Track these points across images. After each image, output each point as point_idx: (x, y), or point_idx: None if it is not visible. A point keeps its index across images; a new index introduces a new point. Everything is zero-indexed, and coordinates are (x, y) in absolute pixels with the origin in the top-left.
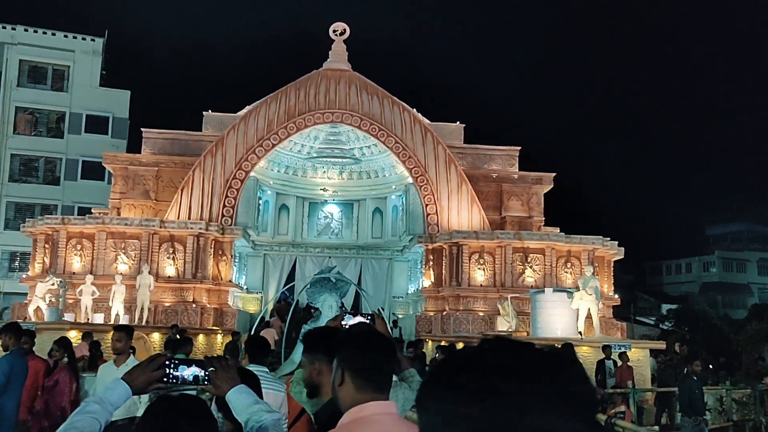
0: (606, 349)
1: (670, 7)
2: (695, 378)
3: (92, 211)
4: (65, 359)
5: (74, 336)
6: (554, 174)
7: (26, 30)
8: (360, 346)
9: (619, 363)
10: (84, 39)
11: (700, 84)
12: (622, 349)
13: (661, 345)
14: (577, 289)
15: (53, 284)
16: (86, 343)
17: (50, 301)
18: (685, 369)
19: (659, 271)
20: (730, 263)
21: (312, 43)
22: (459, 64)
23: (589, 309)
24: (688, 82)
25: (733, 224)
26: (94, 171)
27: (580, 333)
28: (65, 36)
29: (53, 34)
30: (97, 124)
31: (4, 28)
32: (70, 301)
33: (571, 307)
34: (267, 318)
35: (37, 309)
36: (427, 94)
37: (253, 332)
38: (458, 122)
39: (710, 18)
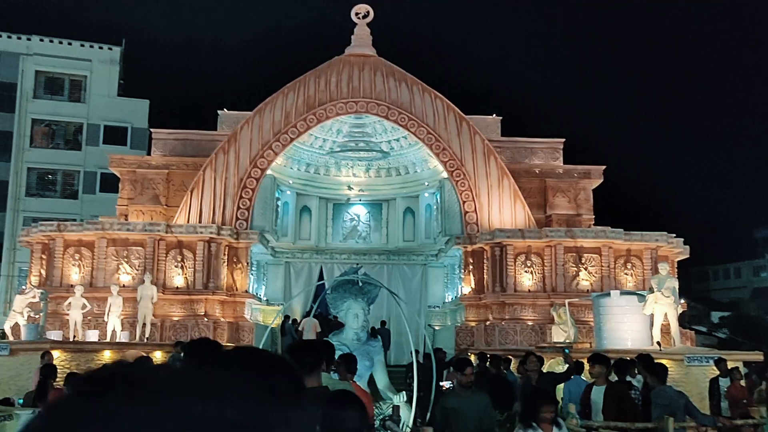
0: (721, 363)
1: None
2: None
3: None
4: None
5: (58, 357)
6: (604, 167)
7: (42, 40)
8: None
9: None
10: (101, 48)
11: (745, 77)
12: (708, 362)
13: (759, 356)
14: (651, 291)
15: (34, 296)
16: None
17: (29, 316)
18: None
19: (705, 277)
20: None
21: (333, 33)
22: (492, 54)
23: (665, 314)
24: (734, 75)
25: None
26: (113, 183)
27: (658, 343)
28: (82, 45)
29: (69, 44)
30: (115, 135)
31: (19, 38)
32: (66, 318)
33: (643, 312)
34: (283, 327)
35: (15, 325)
36: (459, 86)
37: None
38: (494, 115)
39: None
